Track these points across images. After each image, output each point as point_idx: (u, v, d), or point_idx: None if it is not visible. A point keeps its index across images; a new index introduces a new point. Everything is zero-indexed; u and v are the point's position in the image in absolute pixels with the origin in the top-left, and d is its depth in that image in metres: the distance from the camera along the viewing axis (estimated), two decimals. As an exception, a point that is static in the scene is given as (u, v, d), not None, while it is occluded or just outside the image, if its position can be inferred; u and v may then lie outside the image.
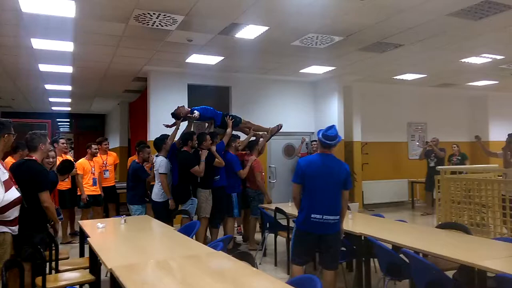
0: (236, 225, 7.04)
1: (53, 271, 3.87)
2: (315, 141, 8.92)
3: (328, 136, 3.73)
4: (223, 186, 6.05)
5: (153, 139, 6.20)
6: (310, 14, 5.28)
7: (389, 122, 10.95)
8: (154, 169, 5.87)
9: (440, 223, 5.70)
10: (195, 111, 6.04)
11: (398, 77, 9.68)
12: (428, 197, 9.76)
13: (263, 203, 6.40)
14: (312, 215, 3.68)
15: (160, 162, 5.74)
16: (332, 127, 3.80)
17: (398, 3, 5.00)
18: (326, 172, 3.71)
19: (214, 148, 5.91)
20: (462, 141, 11.94)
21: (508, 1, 4.97)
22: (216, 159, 5.86)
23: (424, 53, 7.41)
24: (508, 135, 6.05)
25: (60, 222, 5.49)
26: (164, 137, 5.96)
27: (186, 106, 8.35)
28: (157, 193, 5.76)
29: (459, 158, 9.86)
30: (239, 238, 6.98)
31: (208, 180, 5.92)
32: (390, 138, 10.94)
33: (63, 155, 6.74)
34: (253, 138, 6.76)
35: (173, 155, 5.94)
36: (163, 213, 5.60)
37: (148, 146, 6.47)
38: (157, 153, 5.89)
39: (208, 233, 6.16)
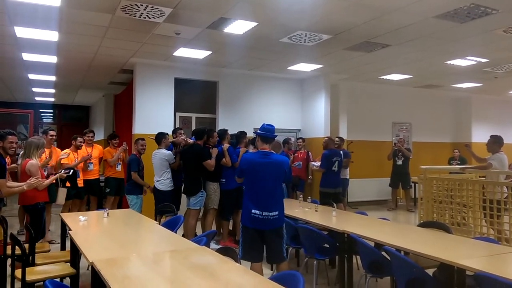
0: None
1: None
2: (300, 138, 8.95)
3: (267, 129, 3.87)
4: (229, 189, 6.16)
5: (156, 133, 6.36)
6: (299, 11, 5.28)
7: (374, 121, 11.07)
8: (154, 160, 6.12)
9: (422, 221, 5.79)
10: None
11: (384, 77, 9.77)
12: (393, 193, 10.17)
13: None
14: (253, 211, 3.75)
15: (168, 155, 6.06)
16: (268, 124, 3.95)
17: (386, 4, 5.04)
18: (265, 168, 3.78)
19: (226, 146, 6.11)
20: (445, 142, 12.18)
21: (494, 5, 5.05)
22: (224, 158, 6.04)
23: (410, 54, 7.49)
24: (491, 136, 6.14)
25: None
26: (165, 133, 6.33)
27: (173, 101, 8.40)
28: (163, 182, 6.03)
29: (459, 162, 10.01)
30: None
31: (216, 173, 6.07)
32: (375, 137, 11.06)
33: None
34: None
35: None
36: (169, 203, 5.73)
37: (143, 138, 6.57)
38: (158, 147, 6.17)
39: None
